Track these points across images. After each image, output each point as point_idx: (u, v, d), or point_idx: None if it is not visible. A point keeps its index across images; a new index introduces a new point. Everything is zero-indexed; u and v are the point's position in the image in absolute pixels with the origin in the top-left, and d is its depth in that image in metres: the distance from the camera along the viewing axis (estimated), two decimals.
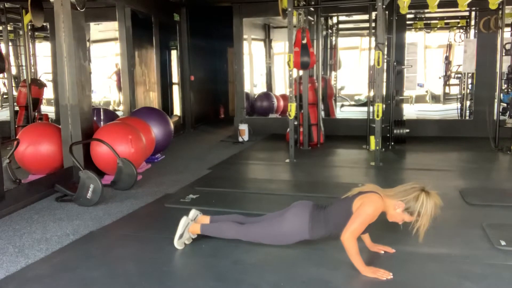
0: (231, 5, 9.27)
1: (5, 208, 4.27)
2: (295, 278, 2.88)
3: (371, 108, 7.23)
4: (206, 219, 3.49)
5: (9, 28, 8.40)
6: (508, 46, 7.32)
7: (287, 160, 6.54)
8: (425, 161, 6.51)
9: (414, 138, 7.75)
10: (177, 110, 9.89)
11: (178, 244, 3.32)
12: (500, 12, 7.17)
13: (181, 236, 3.32)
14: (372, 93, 7.28)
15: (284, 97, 10.64)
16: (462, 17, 10.12)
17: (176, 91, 9.91)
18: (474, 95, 8.63)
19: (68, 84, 5.24)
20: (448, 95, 12.20)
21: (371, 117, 7.17)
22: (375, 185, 3.14)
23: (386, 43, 7.19)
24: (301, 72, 7.46)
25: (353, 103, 12.32)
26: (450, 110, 10.82)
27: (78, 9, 5.14)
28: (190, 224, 3.38)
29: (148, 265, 3.16)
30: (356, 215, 2.93)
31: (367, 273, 2.88)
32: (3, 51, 6.90)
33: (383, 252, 3.24)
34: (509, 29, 9.43)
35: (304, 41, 6.70)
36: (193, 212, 3.50)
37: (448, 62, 11.65)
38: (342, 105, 11.78)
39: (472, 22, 9.56)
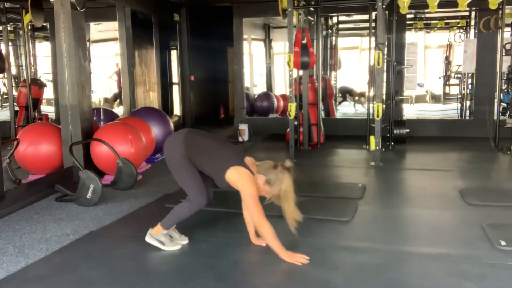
0: (231, 5, 9.27)
1: (5, 208, 4.27)
2: (295, 278, 2.88)
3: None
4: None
5: (9, 28, 8.40)
6: (508, 46, 7.32)
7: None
8: (425, 161, 6.51)
9: (414, 138, 7.75)
10: (177, 110, 9.89)
11: (168, 247, 3.31)
12: (500, 12, 7.17)
13: (161, 242, 3.31)
14: (372, 93, 7.28)
15: (284, 97, 10.64)
16: (462, 17, 10.12)
17: (176, 91, 9.91)
18: (474, 95, 8.62)
19: (68, 84, 5.24)
20: (448, 95, 12.19)
21: (371, 117, 7.17)
22: (252, 159, 3.26)
23: (386, 43, 7.19)
24: (301, 72, 7.45)
25: (352, 103, 12.32)
26: (450, 110, 10.81)
27: (78, 9, 5.14)
28: (151, 231, 3.36)
29: (148, 265, 3.17)
30: (247, 203, 3.11)
31: (285, 257, 3.00)
32: (3, 51, 6.90)
33: (264, 245, 3.30)
34: (509, 29, 9.42)
35: (304, 41, 6.70)
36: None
37: (448, 62, 11.64)
38: (340, 102, 11.76)
39: (472, 22, 9.56)
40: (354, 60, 12.73)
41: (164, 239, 3.32)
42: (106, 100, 9.34)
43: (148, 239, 3.35)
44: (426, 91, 12.89)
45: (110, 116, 6.85)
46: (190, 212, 3.27)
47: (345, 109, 11.48)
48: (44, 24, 7.51)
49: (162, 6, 9.08)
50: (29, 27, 8.29)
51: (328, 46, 10.77)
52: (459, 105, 10.24)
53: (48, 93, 8.63)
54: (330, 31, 10.98)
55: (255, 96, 10.70)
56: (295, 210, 3.13)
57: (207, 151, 3.26)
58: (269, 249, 3.33)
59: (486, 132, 7.61)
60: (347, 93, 11.85)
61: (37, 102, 7.85)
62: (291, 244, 3.44)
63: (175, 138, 3.32)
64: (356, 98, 11.90)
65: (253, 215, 3.09)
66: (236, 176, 3.09)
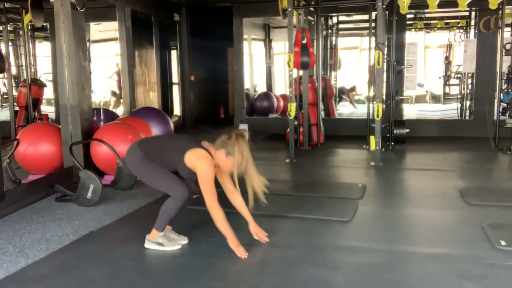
0: (231, 5, 9.27)
1: (5, 208, 4.27)
2: (295, 278, 2.88)
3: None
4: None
5: (9, 28, 8.41)
6: (508, 46, 7.31)
7: (287, 160, 6.53)
8: (425, 161, 6.51)
9: (414, 138, 7.75)
10: (177, 110, 9.89)
11: (168, 247, 3.32)
12: (500, 12, 7.17)
13: (160, 244, 3.32)
14: (372, 93, 7.28)
15: (284, 97, 10.64)
16: (462, 17, 10.12)
17: (176, 91, 9.91)
18: (474, 95, 8.62)
19: (68, 84, 5.24)
20: (448, 95, 12.19)
21: (371, 117, 7.17)
22: (208, 142, 3.28)
23: (386, 43, 7.19)
24: (301, 72, 7.45)
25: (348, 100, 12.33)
26: (450, 110, 10.82)
27: (78, 9, 5.14)
28: (148, 236, 3.37)
29: (148, 265, 3.17)
30: (201, 185, 3.12)
31: (231, 243, 3.13)
32: (3, 51, 6.90)
33: (256, 237, 3.37)
34: (509, 29, 9.42)
35: (304, 41, 6.70)
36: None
37: (448, 62, 11.64)
38: (339, 100, 11.77)
39: (472, 22, 9.56)
40: (354, 60, 12.73)
41: (163, 240, 3.33)
42: (114, 93, 9.36)
43: (147, 244, 3.36)
44: (426, 91, 12.89)
45: (110, 116, 6.85)
46: (176, 207, 3.27)
47: (342, 109, 11.48)
48: (44, 24, 7.51)
49: (162, 6, 9.08)
50: (29, 27, 8.30)
51: (328, 46, 10.77)
52: (459, 105, 10.24)
53: (48, 93, 8.63)
54: (330, 31, 10.98)
55: (255, 96, 10.70)
56: (258, 175, 3.25)
57: (163, 145, 3.35)
58: (269, 249, 3.33)
59: (486, 132, 7.60)
60: (340, 93, 11.88)
61: (37, 102, 7.85)
62: (292, 244, 3.45)
63: (131, 149, 3.39)
64: (351, 94, 11.93)
65: (205, 197, 3.11)
66: (193, 158, 3.14)
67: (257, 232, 3.41)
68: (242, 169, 3.19)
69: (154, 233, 3.34)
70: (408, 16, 9.32)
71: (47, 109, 8.91)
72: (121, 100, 8.87)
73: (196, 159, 3.14)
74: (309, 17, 7.73)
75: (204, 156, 3.15)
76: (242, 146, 3.14)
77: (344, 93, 12.00)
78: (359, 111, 11.32)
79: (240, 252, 3.13)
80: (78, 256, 3.31)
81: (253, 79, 11.05)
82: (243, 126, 8.40)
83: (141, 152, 3.26)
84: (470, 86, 9.53)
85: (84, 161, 5.17)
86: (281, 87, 11.61)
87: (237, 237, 3.49)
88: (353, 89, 12.01)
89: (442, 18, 10.56)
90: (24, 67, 8.43)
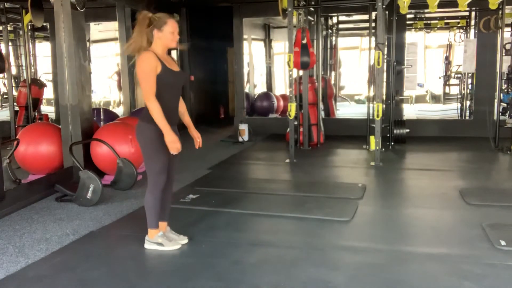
0: (231, 5, 9.27)
1: (5, 208, 4.27)
2: (295, 278, 2.88)
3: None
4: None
5: (9, 28, 8.40)
6: (508, 46, 7.32)
7: (287, 160, 6.53)
8: (425, 161, 6.51)
9: (414, 138, 7.75)
10: None
11: (168, 247, 3.32)
12: (500, 12, 7.17)
13: (159, 244, 3.32)
14: (372, 93, 7.28)
15: (284, 97, 10.63)
16: (462, 17, 10.12)
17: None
18: (474, 95, 8.62)
19: (68, 84, 5.24)
20: (448, 95, 12.18)
21: (371, 117, 7.17)
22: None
23: (386, 43, 7.19)
24: (301, 72, 7.45)
25: (353, 103, 12.33)
26: (450, 110, 10.81)
27: (78, 9, 5.14)
28: (148, 237, 3.37)
29: (148, 265, 3.17)
30: (138, 79, 3.17)
31: (167, 137, 3.13)
32: (3, 51, 6.90)
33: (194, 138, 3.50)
34: (509, 29, 9.41)
35: (304, 41, 6.70)
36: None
37: (448, 62, 11.64)
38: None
39: (472, 22, 9.56)
40: (354, 60, 12.73)
41: (162, 240, 3.33)
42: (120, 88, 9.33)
43: (147, 245, 3.36)
44: (426, 91, 12.88)
45: (110, 116, 6.85)
46: (154, 196, 3.27)
47: (342, 109, 11.48)
48: (44, 24, 7.51)
49: (162, 6, 9.07)
50: (29, 27, 8.29)
51: (328, 46, 10.77)
52: (459, 105, 10.24)
53: (48, 93, 8.63)
54: (330, 31, 10.98)
55: (255, 96, 10.70)
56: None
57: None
58: (269, 249, 3.33)
59: (486, 132, 7.60)
60: None
61: (37, 102, 7.85)
62: (292, 244, 3.45)
63: (138, 124, 3.38)
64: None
65: (143, 91, 3.14)
66: (136, 64, 3.17)
67: (196, 136, 3.50)
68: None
69: (151, 233, 3.34)
70: (408, 16, 9.32)
71: (47, 109, 8.90)
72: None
73: (137, 63, 3.17)
74: (309, 17, 7.73)
75: (141, 56, 3.16)
76: (160, 14, 3.29)
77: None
78: (359, 111, 11.31)
79: (173, 148, 3.14)
80: (78, 256, 3.32)
81: (253, 79, 11.04)
82: (243, 126, 8.41)
83: (151, 124, 3.20)
84: (470, 86, 9.53)
85: (84, 161, 5.18)
86: (281, 87, 11.61)
87: (240, 237, 3.51)
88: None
89: (442, 18, 10.55)
90: (24, 67, 8.43)
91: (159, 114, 3.12)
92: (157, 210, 3.30)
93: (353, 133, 8.27)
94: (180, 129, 3.44)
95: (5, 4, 7.63)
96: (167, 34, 3.24)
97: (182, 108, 3.50)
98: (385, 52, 6.93)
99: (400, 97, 8.21)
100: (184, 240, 3.43)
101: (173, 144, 3.15)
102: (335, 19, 11.06)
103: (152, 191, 3.26)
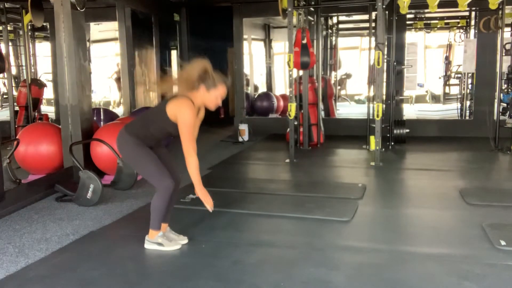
0: (231, 5, 9.27)
1: (5, 208, 4.27)
2: (295, 278, 2.88)
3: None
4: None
5: (9, 28, 8.40)
6: (508, 46, 7.31)
7: (287, 160, 6.53)
8: (425, 161, 6.51)
9: (414, 138, 7.75)
10: None
11: (168, 247, 3.32)
12: (500, 12, 7.16)
13: (159, 244, 3.32)
14: (371, 93, 7.28)
15: (284, 97, 10.63)
16: (462, 17, 10.12)
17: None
18: (474, 95, 8.62)
19: (68, 84, 5.24)
20: (448, 95, 12.18)
21: (371, 117, 7.17)
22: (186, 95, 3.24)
23: (386, 43, 7.19)
24: (301, 72, 7.45)
25: (353, 103, 12.34)
26: (450, 110, 10.81)
27: (78, 9, 5.14)
28: (147, 237, 3.36)
29: (148, 265, 3.17)
30: (180, 131, 3.12)
31: (200, 192, 3.14)
32: (3, 51, 6.90)
33: (203, 200, 3.28)
34: (509, 29, 9.41)
35: (304, 41, 6.70)
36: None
37: (448, 62, 11.64)
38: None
39: (472, 22, 9.56)
40: (354, 60, 12.73)
41: (162, 240, 3.33)
42: (119, 88, 9.34)
43: (146, 245, 3.36)
44: (426, 91, 12.89)
45: (110, 116, 6.85)
46: (163, 200, 3.26)
47: (342, 109, 11.48)
48: (44, 24, 7.52)
49: (162, 6, 9.08)
50: (29, 27, 8.29)
51: (328, 46, 10.77)
52: (459, 105, 10.23)
53: (48, 93, 8.63)
54: (330, 31, 10.98)
55: (255, 96, 10.69)
56: None
57: (146, 117, 3.35)
58: (269, 249, 3.33)
59: (486, 132, 7.60)
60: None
61: (37, 102, 7.85)
62: (292, 244, 3.45)
63: (119, 136, 3.36)
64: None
65: (184, 143, 3.12)
66: (174, 106, 3.14)
67: (203, 197, 3.30)
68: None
69: (152, 233, 3.34)
70: (408, 16, 9.31)
71: (47, 109, 8.90)
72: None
73: (176, 106, 3.13)
74: (309, 17, 7.73)
75: (183, 102, 3.14)
76: (217, 76, 3.19)
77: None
78: (359, 111, 11.31)
79: (208, 201, 3.14)
80: (78, 256, 3.31)
81: (253, 79, 11.04)
82: (243, 126, 8.41)
83: (131, 136, 3.23)
84: (470, 86, 9.53)
85: (84, 161, 5.17)
86: (281, 87, 11.60)
87: (240, 237, 3.51)
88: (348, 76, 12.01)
89: (442, 18, 10.55)
90: (24, 67, 8.43)
91: (196, 170, 3.13)
92: (162, 213, 3.30)
93: (353, 133, 8.28)
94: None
95: (5, 4, 7.63)
96: (212, 97, 3.21)
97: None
98: (385, 52, 6.93)
99: (400, 97, 8.21)
100: (184, 240, 3.43)
101: (205, 197, 3.14)
102: (335, 19, 11.06)
103: (162, 195, 3.25)
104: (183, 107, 3.12)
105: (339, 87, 11.95)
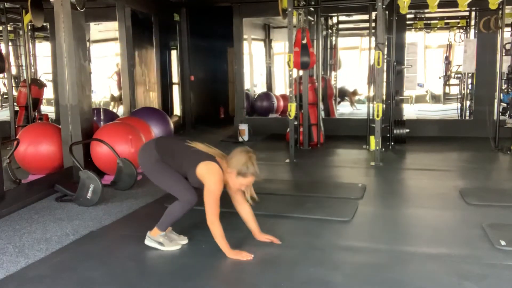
0: (231, 5, 9.27)
1: (5, 208, 4.27)
2: (295, 278, 2.88)
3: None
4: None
5: (9, 28, 8.40)
6: (508, 46, 7.31)
7: (287, 160, 6.53)
8: (425, 161, 6.51)
9: (414, 138, 7.75)
10: (177, 110, 9.89)
11: (168, 247, 3.32)
12: (500, 12, 7.16)
13: (160, 243, 3.32)
14: (372, 93, 7.28)
15: (284, 97, 10.64)
16: (462, 17, 10.12)
17: (176, 91, 9.91)
18: (474, 95, 8.62)
19: (68, 84, 5.24)
20: (448, 95, 12.19)
21: (371, 117, 7.17)
22: (220, 151, 3.30)
23: (386, 43, 7.19)
24: (301, 72, 7.45)
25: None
26: (450, 110, 10.81)
27: (78, 9, 5.14)
28: (149, 234, 3.37)
29: (148, 265, 3.17)
30: (206, 198, 3.13)
31: (231, 255, 3.11)
32: (3, 51, 6.90)
33: (269, 241, 3.37)
34: (509, 29, 9.42)
35: (304, 41, 6.70)
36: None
37: (448, 62, 11.64)
38: (340, 101, 11.80)
39: (472, 22, 9.56)
40: (354, 60, 12.73)
41: (163, 240, 3.33)
42: (112, 97, 9.39)
43: (147, 241, 3.36)
44: (426, 91, 12.90)
45: (110, 116, 6.85)
46: (182, 211, 3.28)
47: (342, 109, 11.48)
48: (44, 24, 7.51)
49: (162, 6, 9.08)
50: (29, 27, 8.29)
51: (328, 46, 10.77)
52: (459, 105, 10.24)
53: (48, 93, 8.63)
54: (330, 31, 10.98)
55: (255, 96, 10.70)
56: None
57: (178, 151, 3.32)
58: (269, 249, 3.33)
59: (486, 132, 7.60)
60: (343, 95, 11.90)
61: (37, 102, 7.85)
62: (291, 244, 3.45)
63: (146, 147, 3.40)
64: (354, 98, 11.98)
65: (208, 211, 3.13)
66: (205, 171, 3.16)
67: (265, 238, 3.41)
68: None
69: (155, 232, 3.34)
70: (408, 16, 9.31)
71: (47, 109, 8.90)
72: (121, 102, 8.91)
73: (207, 173, 3.15)
74: (309, 17, 7.73)
75: (215, 170, 3.15)
76: (254, 167, 3.18)
77: (347, 95, 12.00)
78: (359, 111, 11.32)
79: (243, 256, 3.13)
80: (78, 256, 3.31)
81: (253, 79, 11.04)
82: (243, 126, 8.41)
83: (157, 153, 3.26)
84: (470, 86, 9.52)
85: (84, 161, 5.18)
86: (281, 87, 11.61)
87: (235, 236, 3.50)
88: (355, 92, 12.03)
89: (442, 18, 10.55)
90: (24, 67, 8.43)
91: (222, 239, 3.15)
92: (175, 220, 3.33)
93: (353, 133, 8.28)
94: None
95: (5, 4, 7.63)
96: (237, 182, 3.21)
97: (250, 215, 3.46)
98: (385, 52, 6.93)
99: (400, 97, 8.21)
100: (184, 240, 3.43)
101: (239, 256, 3.13)
102: (335, 19, 11.06)
103: (183, 206, 3.27)
104: (211, 173, 3.14)
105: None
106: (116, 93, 9.37)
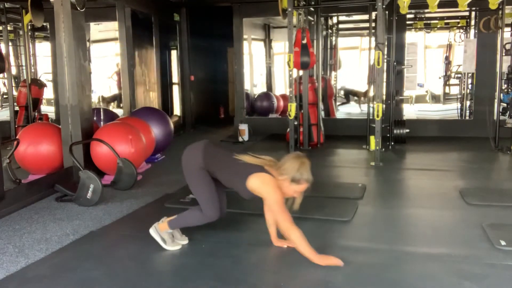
0: (231, 5, 9.27)
1: (5, 208, 4.27)
2: (295, 278, 2.88)
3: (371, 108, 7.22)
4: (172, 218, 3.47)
5: (9, 28, 8.40)
6: (508, 46, 7.31)
7: None
8: (425, 161, 6.51)
9: (414, 138, 7.75)
10: (177, 110, 9.89)
11: (169, 246, 3.32)
12: (500, 12, 7.16)
13: (163, 240, 3.31)
14: (372, 93, 7.28)
15: (284, 97, 10.64)
16: (462, 17, 10.12)
17: (176, 91, 9.91)
18: (474, 95, 8.62)
19: (68, 84, 5.24)
20: (448, 95, 12.19)
21: (371, 117, 7.17)
22: (273, 159, 3.23)
23: (386, 43, 7.19)
24: (301, 72, 7.46)
25: (352, 103, 12.34)
26: (450, 110, 10.81)
27: (78, 9, 5.14)
28: (157, 226, 3.35)
29: (148, 265, 3.17)
30: (272, 209, 3.05)
31: (318, 261, 2.94)
32: (3, 51, 6.90)
33: (286, 246, 3.29)
34: (509, 29, 9.41)
35: (304, 41, 6.70)
36: (163, 219, 3.49)
37: (448, 62, 11.64)
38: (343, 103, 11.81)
39: (472, 22, 9.56)
40: (354, 60, 12.73)
41: (167, 238, 3.32)
42: (103, 98, 9.36)
43: (152, 232, 3.34)
44: (426, 91, 12.89)
45: (110, 116, 6.85)
46: (199, 222, 3.28)
47: (342, 109, 11.48)
48: (44, 24, 7.51)
49: (162, 6, 9.08)
50: (29, 27, 8.29)
51: (328, 46, 10.77)
52: (459, 105, 10.24)
53: (48, 93, 8.63)
54: (330, 31, 10.98)
55: (255, 96, 10.70)
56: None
57: (226, 162, 3.23)
58: (269, 249, 3.33)
59: (486, 132, 7.60)
60: (351, 94, 11.90)
61: (37, 102, 7.85)
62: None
63: (193, 149, 3.31)
64: (361, 98, 11.96)
65: (280, 221, 3.01)
66: (258, 183, 3.06)
67: (281, 244, 3.33)
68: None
69: (164, 227, 3.32)
70: (408, 16, 9.31)
71: (47, 109, 8.90)
72: (111, 104, 8.92)
73: (262, 185, 3.05)
74: (309, 17, 7.73)
75: (267, 180, 3.06)
76: (308, 174, 3.07)
77: (358, 96, 11.94)
78: (359, 111, 11.32)
79: (333, 262, 2.96)
80: (78, 256, 3.31)
81: (253, 79, 11.04)
82: (243, 126, 8.41)
83: (202, 161, 3.19)
84: (470, 86, 9.53)
85: (84, 161, 5.18)
86: (281, 87, 11.61)
87: (239, 237, 3.50)
88: (367, 93, 12.06)
89: (442, 18, 10.55)
90: (24, 67, 8.43)
91: (305, 242, 2.98)
92: (189, 225, 3.35)
93: (353, 133, 8.28)
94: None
95: (5, 4, 7.63)
96: (291, 190, 3.08)
97: (272, 220, 3.35)
98: (385, 52, 6.94)
99: (400, 97, 8.21)
100: (185, 240, 3.43)
101: (328, 261, 2.97)
102: (335, 19, 11.06)
103: (202, 219, 3.27)
104: (266, 185, 3.05)
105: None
106: (107, 94, 9.34)
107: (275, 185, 3.05)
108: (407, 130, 7.54)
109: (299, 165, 3.06)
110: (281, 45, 11.68)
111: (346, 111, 11.23)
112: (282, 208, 3.01)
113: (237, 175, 3.15)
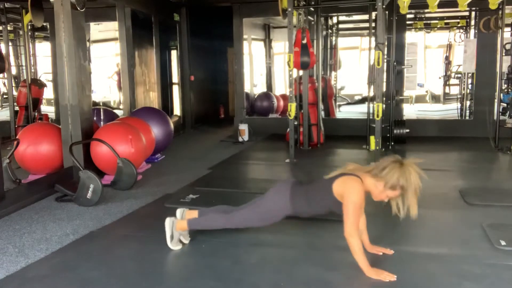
0: (231, 5, 9.27)
1: (5, 208, 4.27)
2: (295, 278, 2.88)
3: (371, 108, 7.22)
4: (194, 214, 3.45)
5: (9, 28, 8.40)
6: (508, 46, 7.31)
7: (287, 160, 6.53)
8: (425, 161, 6.44)
9: (414, 138, 7.75)
10: (177, 110, 9.89)
11: (172, 245, 3.31)
12: (500, 12, 7.17)
13: (171, 237, 3.31)
14: (371, 93, 7.28)
15: (284, 97, 10.64)
16: (462, 17, 10.12)
17: (176, 91, 9.91)
18: (474, 95, 8.62)
19: (68, 84, 5.24)
20: (448, 95, 12.19)
21: (371, 117, 7.17)
22: (357, 164, 3.16)
23: (386, 43, 7.19)
24: (301, 72, 7.45)
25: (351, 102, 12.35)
26: (450, 110, 10.82)
27: (78, 9, 5.14)
28: (175, 222, 3.34)
29: (148, 265, 3.16)
30: (346, 208, 2.90)
31: (371, 274, 2.84)
32: (3, 51, 6.90)
33: (381, 253, 3.22)
34: (509, 29, 9.42)
35: (304, 41, 6.70)
36: (179, 211, 3.49)
37: (448, 62, 11.65)
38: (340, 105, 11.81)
39: (472, 22, 9.56)
40: (354, 60, 12.73)
41: (175, 236, 3.32)
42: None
43: (167, 224, 3.31)
44: (426, 91, 12.90)
45: (110, 116, 6.84)
46: (222, 226, 3.30)
47: (342, 109, 11.48)
48: (44, 24, 7.51)
49: (162, 6, 9.08)
50: (29, 27, 8.29)
51: (328, 46, 10.77)
52: (459, 105, 10.24)
53: (48, 93, 8.63)
54: (330, 31, 10.98)
55: (255, 96, 10.70)
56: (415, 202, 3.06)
57: (309, 187, 3.18)
58: (269, 249, 3.33)
59: (486, 132, 7.60)
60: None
61: (37, 102, 7.85)
62: (292, 244, 3.45)
63: (281, 192, 3.22)
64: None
65: (347, 222, 2.87)
66: (342, 184, 2.96)
67: (376, 251, 3.25)
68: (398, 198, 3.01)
69: (183, 226, 3.32)
70: (408, 16, 9.32)
71: (47, 109, 8.90)
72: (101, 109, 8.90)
73: (346, 186, 2.94)
74: (309, 17, 7.73)
75: (352, 181, 2.95)
76: (410, 182, 2.99)
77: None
78: (359, 110, 11.31)
79: (385, 276, 2.83)
80: (78, 256, 3.31)
81: (253, 79, 11.04)
82: (243, 126, 8.41)
83: (290, 205, 3.13)
84: (470, 86, 9.53)
85: (84, 161, 5.18)
86: (281, 87, 11.61)
87: (240, 237, 3.50)
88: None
89: (442, 18, 10.56)
90: (24, 67, 8.43)
91: (360, 252, 2.86)
92: (210, 228, 3.37)
93: (353, 133, 8.27)
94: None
95: (5, 4, 7.63)
96: (383, 194, 2.97)
97: (363, 225, 3.26)
98: (385, 52, 6.94)
99: (400, 97, 8.21)
100: (187, 240, 3.42)
101: (380, 276, 2.85)
102: (335, 19, 11.06)
103: (226, 222, 3.29)
104: (354, 187, 2.91)
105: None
106: (100, 98, 9.32)
107: (360, 187, 2.93)
108: (407, 130, 7.55)
109: (400, 173, 2.97)
110: (281, 45, 11.68)
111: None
112: (357, 212, 2.89)
113: (323, 188, 3.05)
